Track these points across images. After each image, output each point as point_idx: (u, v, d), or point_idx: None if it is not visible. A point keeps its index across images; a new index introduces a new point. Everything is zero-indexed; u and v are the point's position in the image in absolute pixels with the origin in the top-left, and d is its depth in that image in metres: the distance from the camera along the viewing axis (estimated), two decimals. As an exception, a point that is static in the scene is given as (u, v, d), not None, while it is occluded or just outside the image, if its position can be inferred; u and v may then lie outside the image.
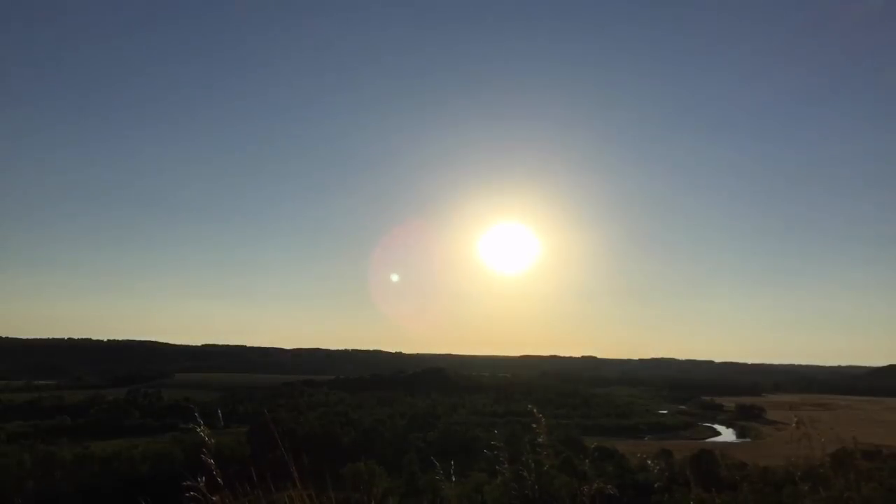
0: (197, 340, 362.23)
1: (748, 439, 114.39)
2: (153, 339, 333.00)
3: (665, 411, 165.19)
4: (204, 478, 4.22)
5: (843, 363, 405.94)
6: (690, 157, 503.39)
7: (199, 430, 4.42)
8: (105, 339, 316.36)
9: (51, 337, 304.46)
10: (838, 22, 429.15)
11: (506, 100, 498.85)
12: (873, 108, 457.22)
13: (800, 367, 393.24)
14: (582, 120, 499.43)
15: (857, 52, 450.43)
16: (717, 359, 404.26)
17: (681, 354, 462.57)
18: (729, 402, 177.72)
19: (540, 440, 5.00)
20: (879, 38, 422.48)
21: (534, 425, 5.08)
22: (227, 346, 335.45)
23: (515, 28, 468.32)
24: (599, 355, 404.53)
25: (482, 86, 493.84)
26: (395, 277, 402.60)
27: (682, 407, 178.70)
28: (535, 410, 5.26)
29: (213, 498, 4.20)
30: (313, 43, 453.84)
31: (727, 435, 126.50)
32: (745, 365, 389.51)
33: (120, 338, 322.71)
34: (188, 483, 4.18)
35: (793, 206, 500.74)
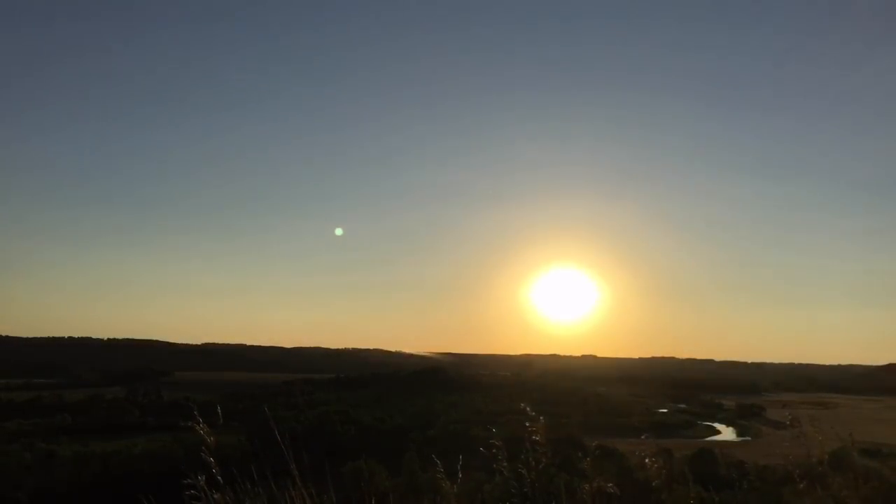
0: (197, 339, 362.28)
1: (748, 438, 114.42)
2: (153, 337, 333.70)
3: (665, 410, 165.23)
4: (204, 476, 4.24)
5: (844, 362, 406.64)
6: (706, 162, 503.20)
7: (199, 428, 4.43)
8: (105, 338, 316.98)
9: (51, 336, 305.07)
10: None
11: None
12: (855, 107, 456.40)
13: (800, 365, 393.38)
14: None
15: None
16: (718, 357, 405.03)
17: (681, 353, 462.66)
18: (729, 401, 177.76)
19: (536, 438, 4.99)
20: None
21: (527, 423, 5.07)
22: (228, 344, 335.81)
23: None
24: (599, 354, 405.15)
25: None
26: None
27: (682, 406, 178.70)
28: (528, 409, 5.22)
29: (214, 496, 4.22)
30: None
31: (727, 434, 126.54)
32: (745, 364, 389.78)
33: (120, 336, 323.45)
34: (189, 481, 4.19)
35: (792, 204, 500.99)
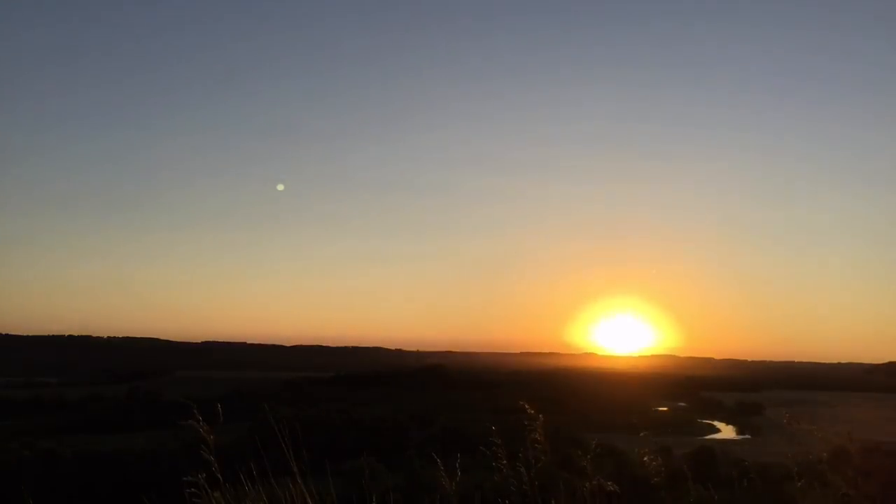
0: (198, 337, 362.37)
1: (748, 436, 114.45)
2: (154, 335, 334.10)
3: (664, 408, 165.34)
4: (205, 474, 4.25)
5: (844, 360, 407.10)
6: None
7: (199, 426, 4.44)
8: (105, 336, 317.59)
9: (51, 334, 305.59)
10: None
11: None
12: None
13: (800, 363, 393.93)
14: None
15: None
16: (717, 356, 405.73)
17: (680, 351, 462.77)
18: (729, 399, 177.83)
19: (535, 436, 5.00)
20: None
21: (526, 422, 5.07)
22: (229, 342, 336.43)
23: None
24: (598, 352, 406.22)
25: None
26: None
27: (682, 403, 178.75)
28: (527, 407, 5.20)
29: (214, 494, 4.23)
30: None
31: (727, 432, 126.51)
32: (745, 362, 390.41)
33: (120, 335, 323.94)
34: (189, 479, 4.20)
35: (791, 201, 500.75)
